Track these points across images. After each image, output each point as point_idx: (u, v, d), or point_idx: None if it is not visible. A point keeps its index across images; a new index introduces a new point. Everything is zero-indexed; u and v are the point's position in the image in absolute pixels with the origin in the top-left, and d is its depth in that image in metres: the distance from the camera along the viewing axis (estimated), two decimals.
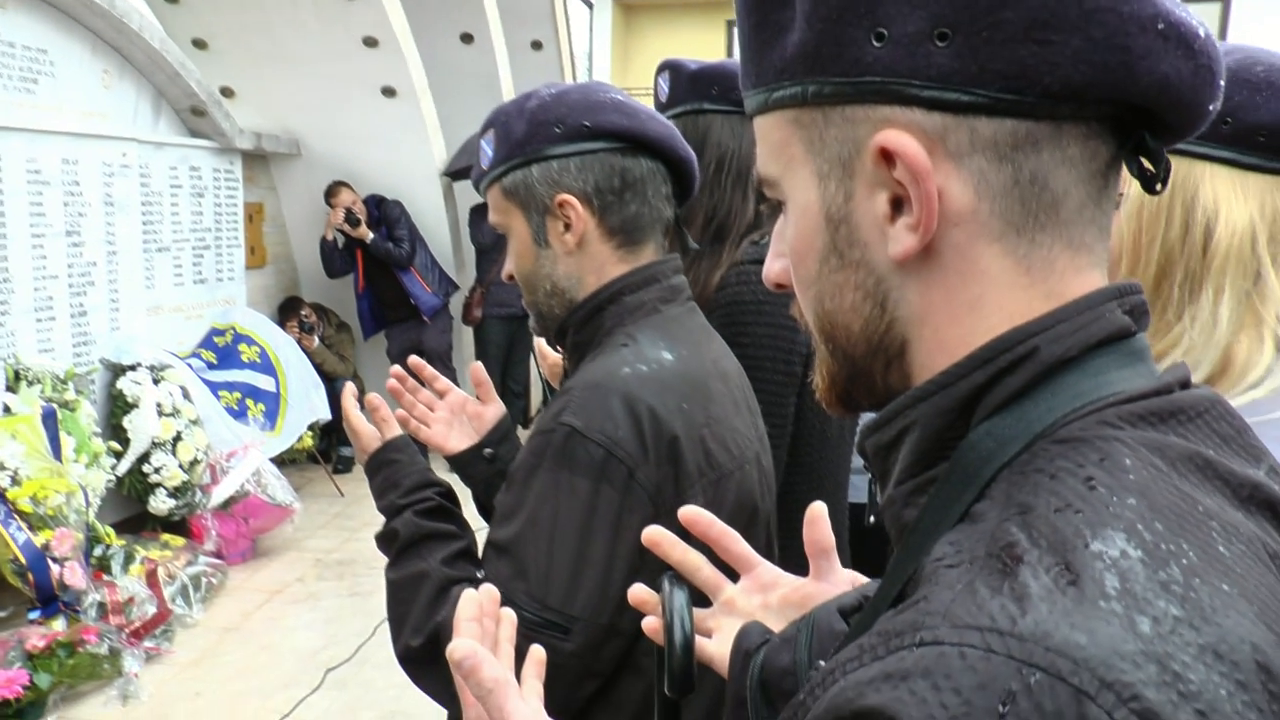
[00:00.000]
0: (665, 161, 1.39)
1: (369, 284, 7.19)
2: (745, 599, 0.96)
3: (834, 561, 0.98)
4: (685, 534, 1.22)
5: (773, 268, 0.74)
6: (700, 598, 0.94)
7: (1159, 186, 0.63)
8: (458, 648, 0.84)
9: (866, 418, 0.71)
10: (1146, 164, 0.62)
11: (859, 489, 2.45)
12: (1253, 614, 0.50)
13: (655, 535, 0.97)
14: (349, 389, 1.59)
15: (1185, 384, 0.63)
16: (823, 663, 0.63)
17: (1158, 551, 0.51)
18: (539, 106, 1.35)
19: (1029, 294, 0.61)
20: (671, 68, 1.93)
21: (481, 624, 0.95)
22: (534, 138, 1.34)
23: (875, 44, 0.59)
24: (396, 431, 1.53)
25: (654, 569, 1.22)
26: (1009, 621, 0.48)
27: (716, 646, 0.93)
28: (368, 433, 1.53)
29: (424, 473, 1.47)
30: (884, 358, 0.67)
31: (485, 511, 1.66)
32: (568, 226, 1.36)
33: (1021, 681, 0.47)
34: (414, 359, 1.65)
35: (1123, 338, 0.61)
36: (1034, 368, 0.59)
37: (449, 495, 1.47)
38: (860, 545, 2.70)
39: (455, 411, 1.65)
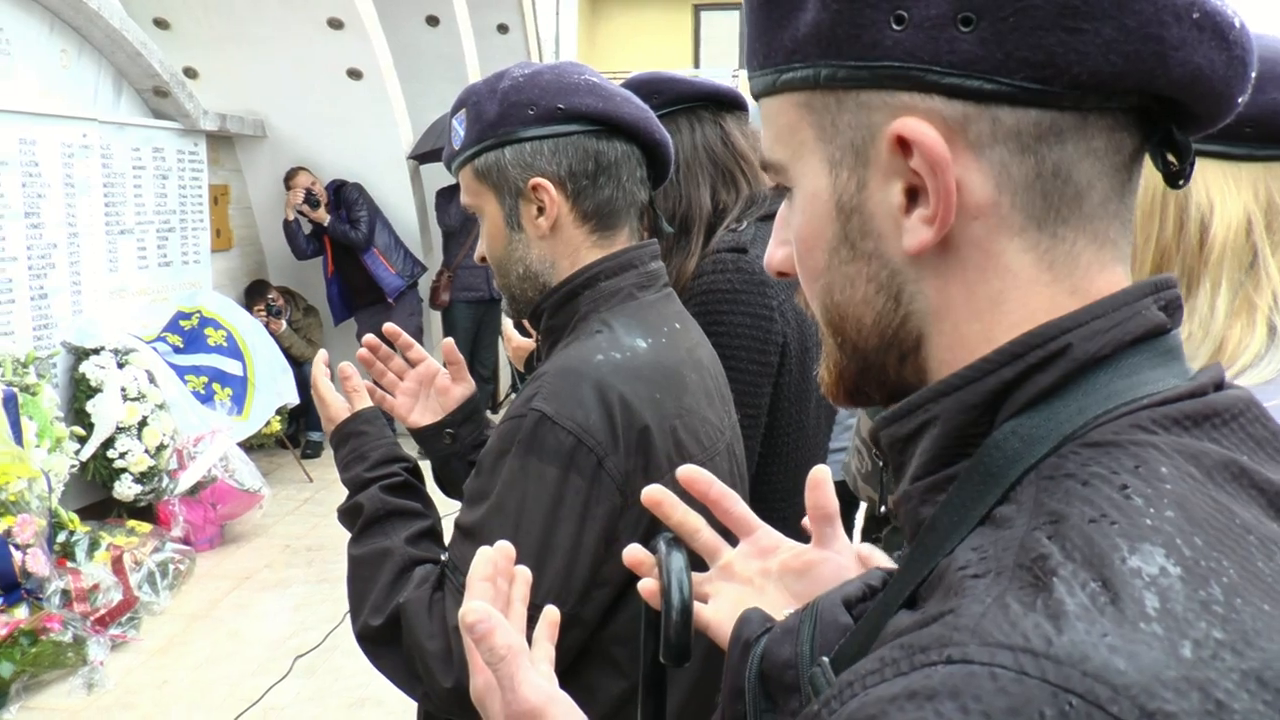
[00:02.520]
0: (640, 144, 1.37)
1: (337, 269, 7.15)
2: (744, 564, 0.92)
3: (837, 528, 0.94)
4: (655, 523, 1.20)
5: (775, 255, 0.71)
6: (696, 562, 0.91)
7: (1182, 181, 0.61)
8: (470, 611, 0.81)
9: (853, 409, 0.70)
10: (1171, 158, 0.60)
11: (834, 470, 2.46)
12: None
13: (656, 495, 0.93)
14: (320, 356, 1.56)
15: (1220, 385, 0.60)
16: (826, 659, 0.61)
17: (1197, 569, 0.48)
18: (511, 87, 1.33)
19: (1053, 289, 0.59)
20: None
21: (495, 584, 0.91)
22: (507, 119, 1.32)
23: (895, 27, 0.57)
24: (367, 402, 1.51)
25: (620, 559, 1.22)
26: (1044, 642, 0.46)
27: (712, 612, 0.90)
28: (336, 402, 1.50)
29: (392, 447, 1.45)
30: (897, 352, 0.64)
31: (443, 486, 1.64)
32: (541, 210, 1.34)
33: (1056, 707, 0.44)
34: (389, 326, 1.64)
35: (1157, 335, 0.59)
36: (1066, 365, 0.57)
37: (416, 472, 1.45)
38: (843, 520, 2.69)
39: (424, 384, 1.63)
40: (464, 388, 1.61)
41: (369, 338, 1.61)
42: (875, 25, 0.57)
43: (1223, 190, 1.12)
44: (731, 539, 0.96)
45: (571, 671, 1.26)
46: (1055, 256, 0.59)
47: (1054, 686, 0.44)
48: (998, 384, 0.58)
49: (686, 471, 0.93)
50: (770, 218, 1.88)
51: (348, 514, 1.41)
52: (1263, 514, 0.54)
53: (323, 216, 6.86)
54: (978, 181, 0.58)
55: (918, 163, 0.58)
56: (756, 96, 0.68)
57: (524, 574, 0.96)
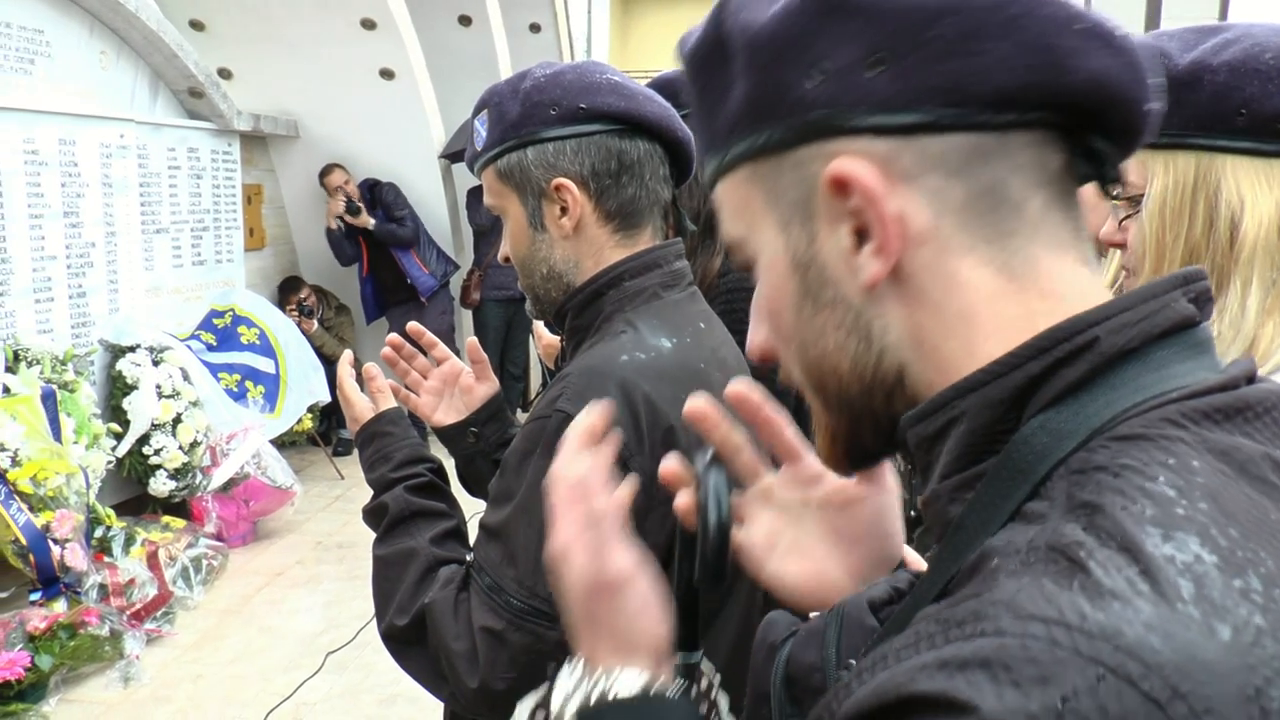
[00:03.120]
0: (662, 142, 1.37)
1: (371, 268, 7.19)
2: (785, 490, 0.90)
3: (883, 467, 0.90)
4: (668, 519, 1.21)
5: (754, 338, 0.73)
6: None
7: (1112, 188, 0.63)
8: (575, 465, 0.77)
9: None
10: (1097, 169, 0.62)
11: None
12: None
13: (700, 409, 0.90)
14: (345, 357, 1.57)
15: (1252, 378, 0.60)
16: (854, 661, 0.61)
17: (1234, 558, 0.48)
18: (533, 87, 1.33)
19: (1021, 296, 0.60)
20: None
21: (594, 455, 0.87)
22: (529, 119, 1.32)
23: (814, 81, 0.60)
24: (392, 403, 1.52)
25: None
26: (1078, 616, 0.46)
27: (745, 536, 0.87)
28: (361, 403, 1.51)
29: (416, 447, 1.46)
30: (882, 390, 0.65)
31: (467, 485, 1.65)
32: (564, 210, 1.34)
33: (1086, 680, 0.44)
34: (413, 325, 1.64)
35: (1186, 328, 0.59)
36: (1093, 359, 0.57)
37: (440, 472, 1.45)
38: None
39: (448, 383, 1.63)
40: (488, 387, 1.62)
41: (393, 337, 1.62)
42: (795, 84, 0.61)
43: (1254, 187, 1.11)
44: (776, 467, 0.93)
45: None
46: (1014, 266, 0.60)
47: (1085, 659, 0.44)
48: (1024, 379, 0.58)
49: (737, 388, 0.91)
50: None
51: (373, 514, 1.42)
52: None
53: (366, 221, 6.90)
54: (915, 210, 0.60)
55: (857, 200, 0.60)
56: (710, 186, 0.71)
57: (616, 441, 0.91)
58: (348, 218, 6.87)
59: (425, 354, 1.65)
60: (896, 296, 0.62)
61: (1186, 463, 0.53)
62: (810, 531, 0.83)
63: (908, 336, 0.63)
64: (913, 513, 0.79)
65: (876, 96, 0.59)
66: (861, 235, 0.61)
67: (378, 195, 7.15)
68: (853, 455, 0.71)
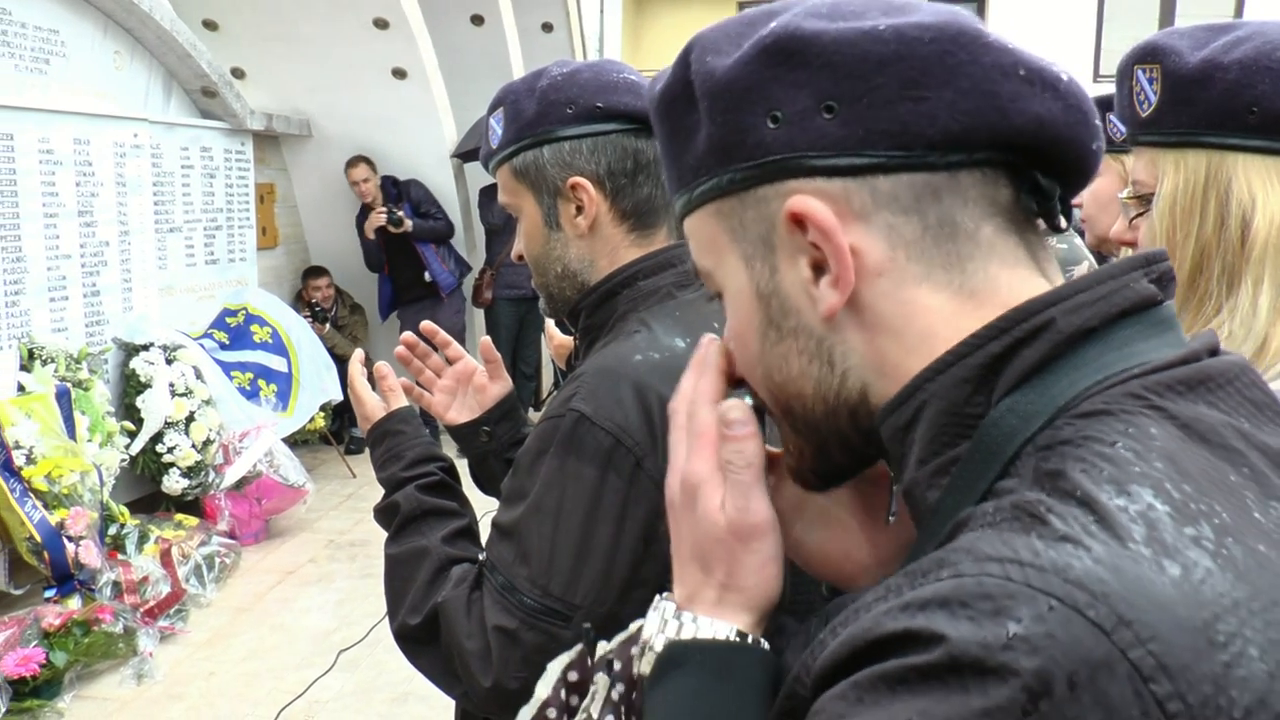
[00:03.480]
0: None
1: (390, 266, 7.19)
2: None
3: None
4: None
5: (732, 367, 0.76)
6: None
7: (1057, 223, 0.66)
8: (735, 407, 0.73)
9: None
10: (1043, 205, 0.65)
11: None
12: None
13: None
14: (357, 355, 1.57)
15: (1214, 351, 0.62)
16: (852, 605, 0.62)
17: (1186, 509, 0.51)
18: (550, 86, 1.32)
19: (981, 311, 0.63)
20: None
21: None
22: (545, 118, 1.32)
23: (771, 125, 0.64)
24: (403, 401, 1.52)
25: (659, 559, 1.20)
26: (1031, 554, 0.49)
27: (775, 495, 0.78)
28: (372, 401, 1.52)
29: (428, 446, 1.46)
30: (846, 410, 0.68)
31: (480, 483, 1.65)
32: (580, 209, 1.34)
33: (1035, 609, 0.46)
34: (427, 324, 1.64)
35: (1148, 307, 0.61)
36: (1052, 338, 0.60)
37: (451, 471, 1.45)
38: None
39: (462, 382, 1.64)
40: (501, 386, 1.62)
41: (407, 335, 1.62)
42: (755, 128, 0.65)
43: (1265, 186, 1.10)
44: None
45: None
46: (973, 286, 0.63)
47: (1035, 590, 0.47)
48: (986, 358, 0.61)
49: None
50: None
51: (384, 513, 1.42)
52: (1263, 472, 0.56)
53: (408, 226, 6.93)
54: (870, 244, 0.63)
55: (813, 234, 0.64)
56: (680, 220, 0.74)
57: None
58: (391, 228, 6.89)
59: (439, 352, 1.65)
60: (856, 324, 0.65)
61: (1145, 430, 0.55)
62: (843, 502, 0.80)
63: (869, 359, 0.66)
64: (890, 519, 0.78)
65: (829, 140, 0.62)
66: (819, 268, 0.65)
67: (404, 192, 7.16)
68: (821, 473, 0.74)
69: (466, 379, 1.63)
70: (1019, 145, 0.62)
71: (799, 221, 0.64)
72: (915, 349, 0.64)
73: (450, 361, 1.64)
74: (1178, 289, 1.12)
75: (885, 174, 0.62)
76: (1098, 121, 0.64)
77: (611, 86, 1.32)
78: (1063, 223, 0.66)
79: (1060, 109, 0.62)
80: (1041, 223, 0.66)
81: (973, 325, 0.62)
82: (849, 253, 0.63)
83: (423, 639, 1.28)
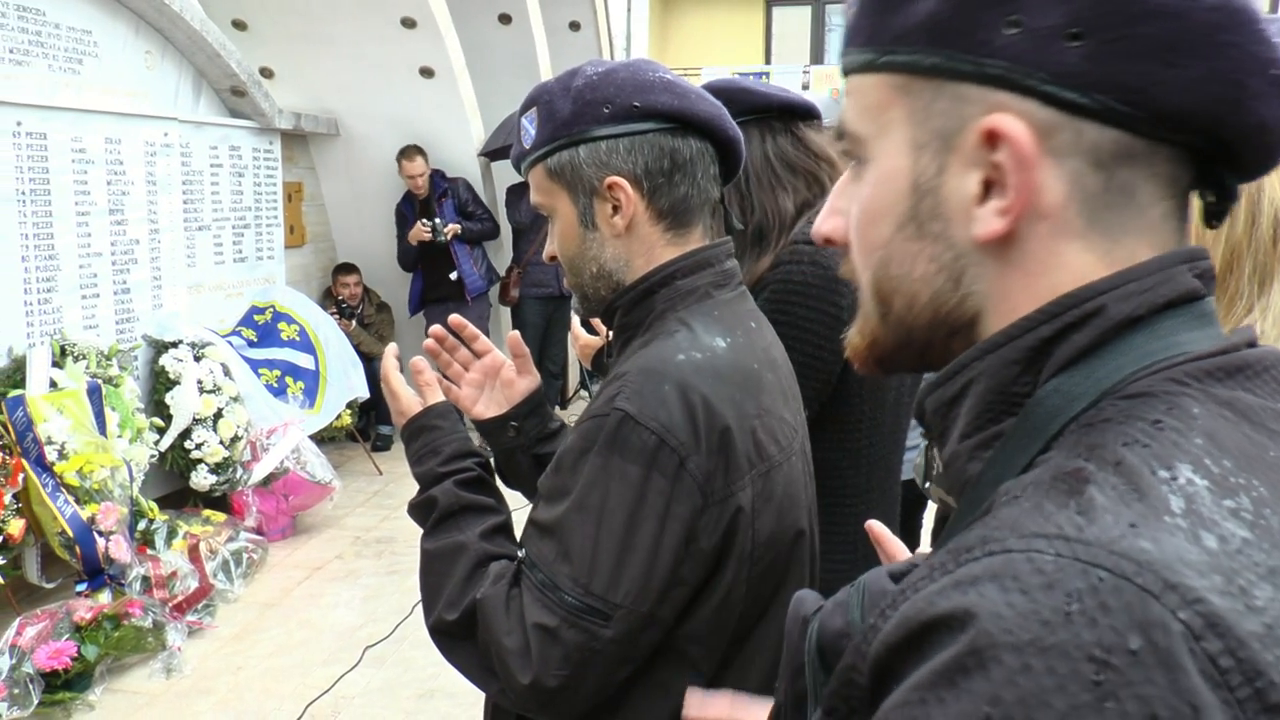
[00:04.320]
0: (713, 141, 1.37)
1: (422, 264, 7.22)
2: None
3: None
4: (733, 523, 1.22)
5: (825, 224, 0.74)
6: None
7: (1216, 222, 0.65)
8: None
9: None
10: (1213, 197, 0.64)
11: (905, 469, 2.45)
12: None
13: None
14: (390, 349, 1.57)
15: (1252, 344, 0.63)
16: (896, 585, 0.63)
17: (1226, 483, 0.52)
18: (586, 85, 1.32)
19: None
20: None
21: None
22: (581, 118, 1.31)
23: (1008, 30, 0.59)
24: (439, 396, 1.51)
25: (697, 559, 1.21)
26: (1075, 529, 0.50)
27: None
28: (407, 395, 1.51)
29: (465, 441, 1.45)
30: (947, 328, 0.67)
31: (506, 479, 1.65)
32: (616, 209, 1.33)
33: (1087, 581, 0.47)
34: (455, 317, 1.64)
35: (1191, 300, 0.62)
36: (1101, 324, 0.60)
37: (487, 466, 1.45)
38: (909, 519, 2.68)
39: (489, 376, 1.63)
40: (529, 381, 1.61)
41: (436, 328, 1.62)
42: (989, 25, 0.60)
43: None
44: None
45: (645, 669, 1.27)
46: (1115, 258, 0.62)
47: (1084, 563, 0.48)
48: (1036, 340, 0.61)
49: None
50: None
51: (420, 508, 1.41)
52: None
53: (454, 231, 6.96)
54: (1051, 186, 0.61)
55: (1003, 157, 0.61)
56: (847, 72, 0.70)
57: None
58: (438, 240, 6.93)
59: (467, 347, 1.65)
60: (998, 256, 0.63)
61: (1187, 410, 0.56)
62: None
63: (995, 292, 0.64)
64: (925, 485, 0.81)
65: (1062, 68, 0.59)
66: (989, 188, 0.62)
67: (452, 190, 7.18)
68: (881, 364, 0.73)
69: (494, 373, 1.63)
70: (1227, 140, 0.60)
71: (994, 138, 0.61)
72: (1038, 299, 0.63)
73: (478, 356, 1.64)
74: None
75: (1098, 122, 0.59)
76: None
77: (648, 85, 1.32)
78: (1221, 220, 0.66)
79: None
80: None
81: None
82: (1034, 189, 0.61)
83: (459, 635, 1.29)
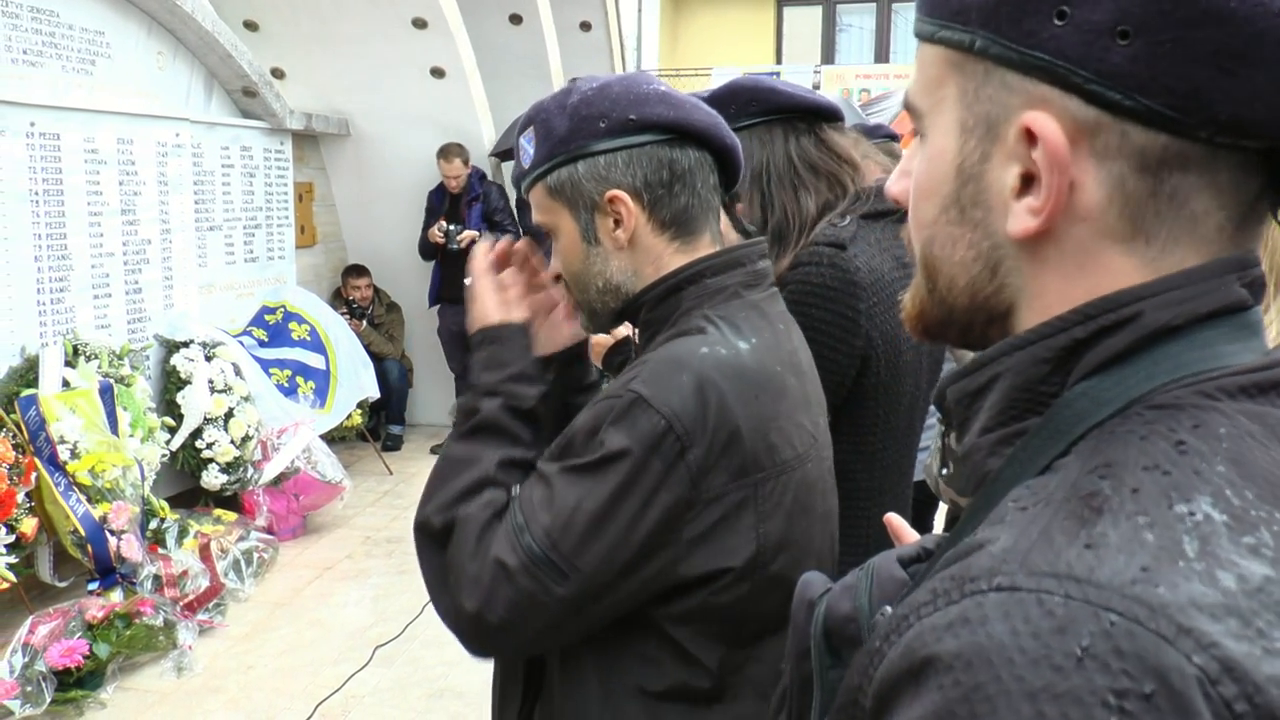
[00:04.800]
0: (711, 150, 1.37)
1: (440, 259, 7.22)
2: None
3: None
4: (722, 521, 1.23)
5: (896, 185, 0.74)
6: None
7: None
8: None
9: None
10: None
11: (917, 469, 2.45)
12: None
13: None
14: (485, 242, 1.52)
15: None
16: (889, 608, 0.62)
17: (1246, 517, 0.51)
18: (581, 101, 1.33)
19: None
20: None
21: None
22: (577, 134, 1.32)
23: (1056, 22, 0.58)
24: (522, 313, 1.47)
25: (685, 551, 1.22)
26: (1086, 569, 0.49)
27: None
28: (492, 301, 1.47)
29: (531, 366, 1.42)
30: (986, 315, 0.67)
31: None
32: (618, 223, 1.34)
33: (1099, 625, 0.46)
34: (520, 243, 1.57)
35: (1236, 310, 0.60)
36: (1137, 331, 0.59)
37: (545, 400, 1.43)
38: (920, 519, 2.68)
39: (539, 313, 1.55)
40: (577, 327, 1.55)
41: (501, 245, 1.55)
42: (1038, 15, 0.58)
43: None
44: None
45: (623, 639, 1.29)
46: (1162, 267, 0.60)
47: (1096, 606, 0.47)
48: (1068, 341, 0.60)
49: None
50: (875, 216, 1.87)
51: (463, 412, 1.41)
52: None
53: (473, 236, 6.96)
54: (1092, 188, 0.59)
55: (1039, 156, 0.59)
56: (917, 35, 0.69)
57: None
58: (445, 245, 6.94)
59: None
60: (1035, 253, 0.62)
61: (1213, 429, 0.55)
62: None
63: (1030, 288, 0.64)
64: (942, 471, 0.80)
65: (1108, 66, 0.56)
66: (1029, 181, 0.61)
67: (485, 193, 7.18)
68: (929, 333, 0.72)
69: (545, 311, 1.56)
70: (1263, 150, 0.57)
71: (1031, 135, 0.59)
72: (1074, 301, 0.61)
73: (536, 288, 1.56)
74: None
75: (1145, 125, 0.57)
76: None
77: (643, 98, 1.32)
78: None
79: None
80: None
81: None
82: (1066, 190, 0.59)
83: (435, 541, 1.33)
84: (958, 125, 0.65)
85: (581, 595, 1.22)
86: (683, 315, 1.34)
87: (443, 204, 7.12)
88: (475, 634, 1.27)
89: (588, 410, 1.28)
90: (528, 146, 1.37)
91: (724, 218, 1.45)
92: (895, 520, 1.15)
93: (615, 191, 1.32)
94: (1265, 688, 0.45)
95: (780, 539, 1.28)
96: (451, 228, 6.97)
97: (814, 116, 1.90)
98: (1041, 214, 0.60)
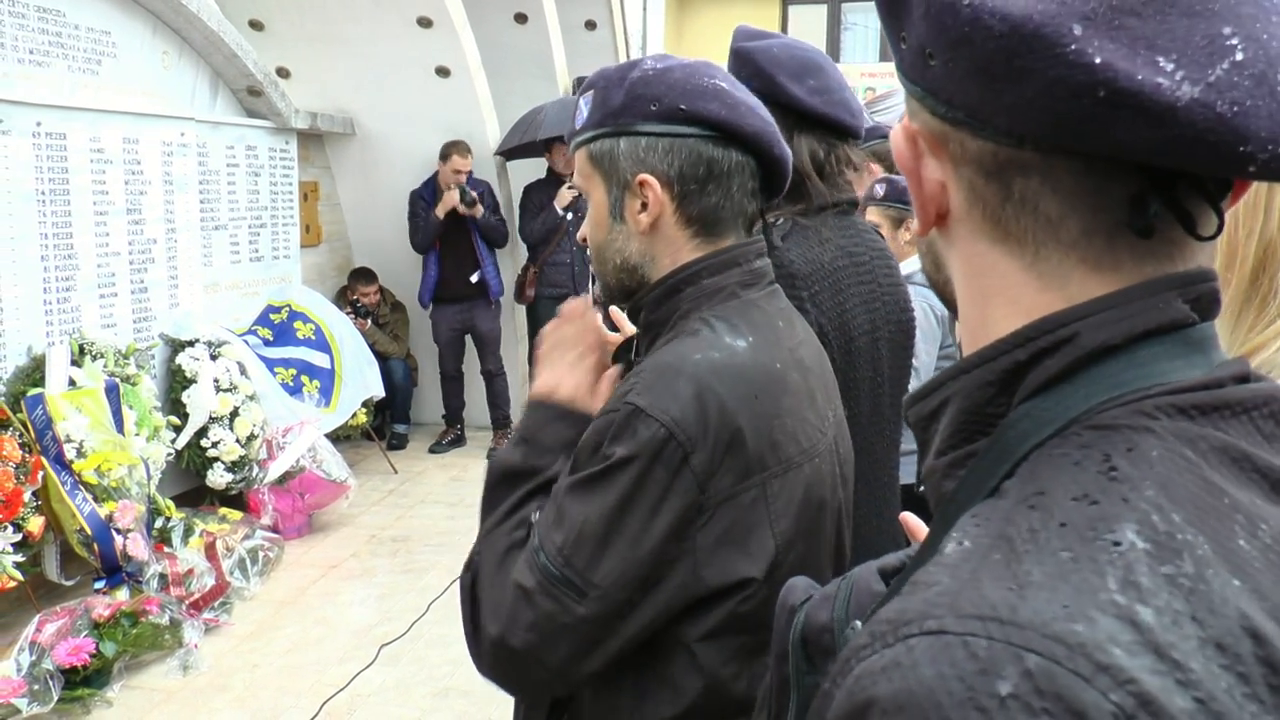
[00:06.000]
0: (758, 157, 1.36)
1: (442, 260, 7.21)
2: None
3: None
4: (737, 524, 1.23)
5: None
6: None
7: (1202, 233, 0.60)
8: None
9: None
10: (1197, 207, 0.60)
11: (909, 472, 2.44)
12: (1263, 610, 0.51)
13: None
14: (586, 298, 1.50)
15: (1242, 378, 0.61)
16: (859, 623, 0.65)
17: (1170, 543, 0.52)
18: (640, 79, 1.33)
19: (1045, 296, 0.63)
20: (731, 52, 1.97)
21: None
22: (628, 110, 1.33)
23: (902, 46, 0.65)
24: (595, 407, 1.39)
25: (690, 556, 1.22)
26: (1009, 610, 0.50)
27: None
28: (570, 379, 1.41)
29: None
30: (951, 303, 0.73)
31: None
32: (645, 206, 1.35)
33: (1020, 666, 0.48)
34: (614, 309, 1.56)
35: (1179, 327, 0.61)
36: (1074, 352, 0.60)
37: None
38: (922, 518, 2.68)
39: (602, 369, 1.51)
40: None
41: (614, 311, 1.54)
42: (896, 41, 0.66)
43: None
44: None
45: (653, 665, 1.27)
46: (1042, 270, 0.63)
47: (1016, 647, 0.48)
48: (1010, 364, 0.63)
49: None
50: (818, 210, 1.86)
51: (504, 468, 1.38)
52: (1259, 496, 0.57)
53: (477, 211, 6.94)
54: (954, 191, 0.65)
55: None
56: None
57: None
58: (461, 208, 6.89)
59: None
60: (947, 248, 0.69)
61: (1146, 453, 0.56)
62: None
63: (956, 281, 0.70)
64: (919, 488, 0.83)
65: (929, 82, 0.62)
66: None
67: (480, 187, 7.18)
68: (949, 309, 0.78)
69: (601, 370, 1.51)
70: (1103, 157, 0.57)
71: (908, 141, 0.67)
72: (974, 302, 0.67)
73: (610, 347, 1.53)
74: (1240, 287, 1.10)
75: (971, 134, 0.61)
76: (1256, 127, 0.54)
77: (699, 91, 1.32)
78: (1206, 231, 0.60)
79: (1160, 138, 0.54)
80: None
81: (1034, 303, 0.63)
82: (935, 190, 0.66)
83: (465, 587, 1.33)
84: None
85: (604, 614, 1.21)
86: (681, 318, 1.34)
87: (433, 199, 7.08)
88: (501, 662, 1.25)
89: (591, 426, 1.28)
90: (584, 108, 1.39)
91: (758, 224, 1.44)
92: (911, 520, 1.15)
93: (647, 176, 1.33)
94: (1179, 719, 0.46)
95: (793, 536, 1.28)
96: (472, 193, 6.92)
97: (823, 128, 1.88)
98: (922, 209, 0.68)
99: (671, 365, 1.25)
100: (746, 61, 1.88)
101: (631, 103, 1.33)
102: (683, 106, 1.31)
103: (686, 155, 1.32)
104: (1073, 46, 0.54)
